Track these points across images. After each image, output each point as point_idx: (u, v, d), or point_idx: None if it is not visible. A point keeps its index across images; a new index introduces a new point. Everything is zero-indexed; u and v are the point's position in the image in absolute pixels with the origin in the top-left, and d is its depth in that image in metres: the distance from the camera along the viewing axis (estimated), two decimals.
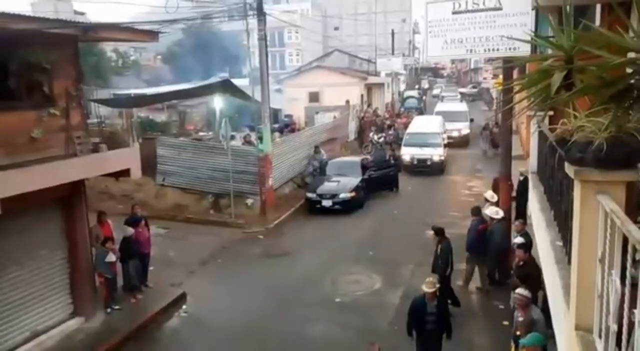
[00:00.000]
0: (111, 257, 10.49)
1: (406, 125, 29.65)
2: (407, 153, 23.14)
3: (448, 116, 28.59)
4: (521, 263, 8.77)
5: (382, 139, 26.51)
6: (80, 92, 9.99)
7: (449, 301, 9.95)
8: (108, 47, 37.40)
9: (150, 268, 12.07)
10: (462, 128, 29.16)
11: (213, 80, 23.28)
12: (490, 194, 12.56)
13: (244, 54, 33.58)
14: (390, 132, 28.31)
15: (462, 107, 33.33)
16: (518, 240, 9.61)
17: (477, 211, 11.67)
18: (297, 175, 20.63)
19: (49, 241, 9.71)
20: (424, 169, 22.54)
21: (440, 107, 33.75)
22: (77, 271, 10.11)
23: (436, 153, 22.88)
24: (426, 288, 7.93)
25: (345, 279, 12.26)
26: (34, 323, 9.34)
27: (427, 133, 24.12)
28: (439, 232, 10.51)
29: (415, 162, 22.76)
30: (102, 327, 10.12)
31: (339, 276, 12.38)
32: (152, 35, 10.97)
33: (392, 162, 20.80)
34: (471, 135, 29.13)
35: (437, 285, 8.09)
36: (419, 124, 26.26)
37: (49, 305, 9.68)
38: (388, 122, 31.36)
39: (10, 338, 8.91)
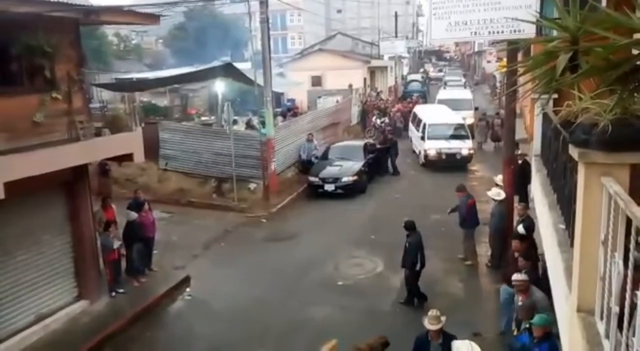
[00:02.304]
0: (115, 243, 10.56)
1: (403, 113, 28.48)
2: (432, 148, 20.58)
3: (452, 104, 26.47)
4: (517, 255, 8.73)
5: (384, 124, 26.31)
6: (83, 76, 9.96)
7: (415, 299, 9.99)
8: (109, 31, 37.22)
9: (154, 251, 12.15)
10: (466, 117, 26.64)
11: (215, 63, 23.15)
12: (500, 178, 12.62)
13: (246, 37, 33.36)
14: (384, 119, 26.92)
15: (467, 94, 31.23)
16: (520, 229, 9.63)
17: (462, 187, 12.34)
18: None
19: (53, 225, 9.76)
20: (453, 164, 20.18)
21: (442, 94, 31.51)
22: (82, 255, 10.18)
23: (465, 147, 20.65)
24: (429, 325, 6.79)
25: (348, 262, 12.33)
26: (39, 306, 9.44)
27: (453, 124, 22.03)
28: (409, 226, 10.27)
29: (444, 157, 20.34)
30: (107, 310, 10.23)
31: (342, 260, 12.45)
32: (154, 18, 10.90)
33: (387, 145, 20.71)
34: (476, 124, 27.41)
35: (443, 320, 6.88)
36: (436, 113, 23.64)
37: (54, 288, 9.77)
38: (393, 108, 30.53)
39: (16, 321, 9.02)
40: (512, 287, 7.74)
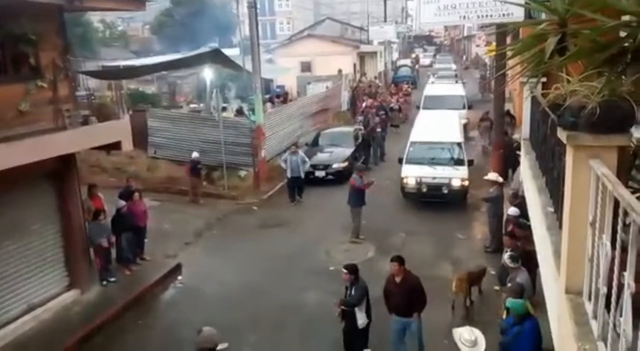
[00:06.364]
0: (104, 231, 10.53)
1: (379, 111, 22.88)
2: (411, 175, 14.84)
3: (440, 103, 22.04)
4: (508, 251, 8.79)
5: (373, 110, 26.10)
6: (68, 63, 9.81)
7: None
8: (95, 18, 36.69)
9: (145, 240, 12.10)
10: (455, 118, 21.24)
11: (203, 50, 22.91)
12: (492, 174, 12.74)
13: (234, 22, 33.05)
14: (359, 117, 23.78)
15: (458, 89, 25.66)
16: (511, 211, 9.72)
17: (359, 168, 13.84)
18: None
19: (42, 215, 9.67)
20: (437, 200, 14.48)
21: (430, 90, 25.72)
22: (71, 244, 10.12)
23: (456, 176, 14.55)
24: None
25: (339, 248, 12.37)
26: (30, 296, 9.39)
27: (445, 142, 15.78)
28: (354, 270, 8.21)
29: (425, 189, 14.55)
30: (98, 299, 10.20)
31: (333, 246, 12.49)
32: (139, 4, 10.72)
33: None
34: (478, 125, 21.26)
35: None
36: (429, 126, 17.34)
37: (44, 278, 9.71)
38: (365, 102, 26.26)
39: (7, 311, 8.98)
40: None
